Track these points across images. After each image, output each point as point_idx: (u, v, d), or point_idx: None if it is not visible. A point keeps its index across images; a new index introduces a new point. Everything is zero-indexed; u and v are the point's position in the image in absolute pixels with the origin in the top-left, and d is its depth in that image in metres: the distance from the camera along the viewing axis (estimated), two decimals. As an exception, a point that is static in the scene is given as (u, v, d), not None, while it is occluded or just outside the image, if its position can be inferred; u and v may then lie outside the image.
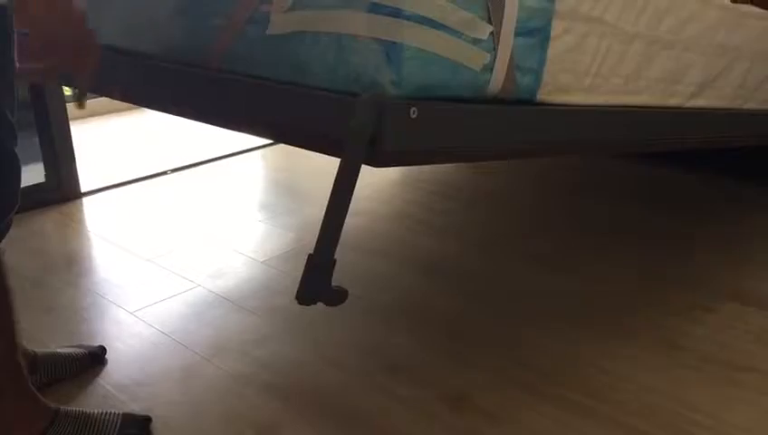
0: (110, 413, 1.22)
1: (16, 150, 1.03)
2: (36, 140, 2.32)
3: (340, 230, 0.90)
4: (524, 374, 1.43)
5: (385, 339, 1.56)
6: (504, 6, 1.01)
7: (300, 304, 0.90)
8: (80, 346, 1.45)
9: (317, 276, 0.90)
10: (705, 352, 1.51)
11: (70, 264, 1.95)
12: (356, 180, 0.89)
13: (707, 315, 1.67)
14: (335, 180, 0.88)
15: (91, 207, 2.36)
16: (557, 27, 1.11)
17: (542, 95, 1.13)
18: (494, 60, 1.03)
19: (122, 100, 1.33)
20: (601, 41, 1.21)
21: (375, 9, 0.91)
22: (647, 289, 1.79)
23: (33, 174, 2.32)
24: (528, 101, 1.12)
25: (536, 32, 1.09)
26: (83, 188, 2.44)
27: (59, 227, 2.20)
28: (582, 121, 1.23)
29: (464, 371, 1.44)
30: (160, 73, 1.17)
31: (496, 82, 1.04)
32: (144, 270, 1.89)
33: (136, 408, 1.28)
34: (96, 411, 1.22)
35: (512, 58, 1.05)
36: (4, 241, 1.07)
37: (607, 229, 2.18)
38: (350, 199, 0.89)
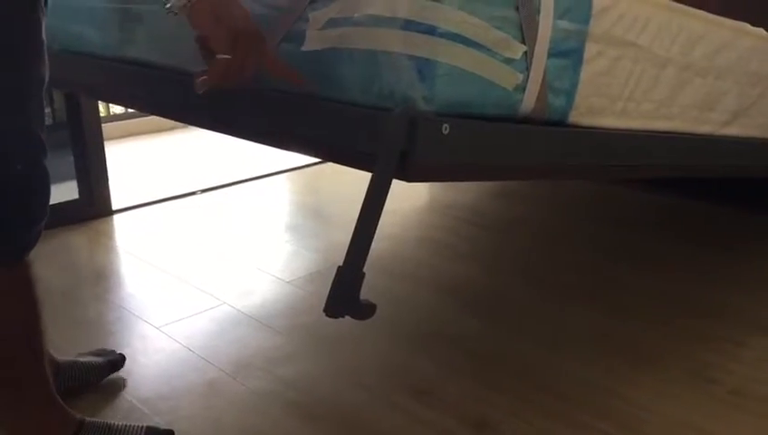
0: (134, 426, 1.22)
1: (46, 164, 1.05)
2: (71, 158, 2.36)
3: (370, 244, 0.90)
4: (548, 400, 1.41)
5: (409, 361, 1.55)
6: (537, 27, 1.02)
7: (328, 316, 0.89)
8: (99, 353, 1.45)
9: (346, 289, 0.90)
10: (735, 385, 1.48)
11: (99, 278, 1.97)
12: (387, 194, 0.89)
13: (737, 348, 1.63)
14: (366, 194, 0.88)
15: (121, 224, 2.40)
16: (590, 49, 1.12)
17: (574, 117, 1.13)
18: (527, 80, 1.03)
19: (160, 115, 1.35)
20: (635, 65, 1.21)
21: (409, 26, 0.92)
22: (673, 319, 1.76)
23: (66, 191, 2.36)
24: (559, 123, 1.12)
25: (570, 53, 1.09)
26: (115, 206, 2.48)
27: (90, 243, 2.23)
28: (613, 145, 1.22)
29: (487, 395, 1.42)
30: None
31: (528, 102, 1.05)
32: (171, 287, 1.91)
33: (159, 421, 1.28)
34: (120, 423, 1.22)
35: (544, 78, 1.05)
36: (33, 253, 1.09)
37: (630, 258, 2.16)
38: (380, 213, 0.89)
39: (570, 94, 1.11)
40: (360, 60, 0.97)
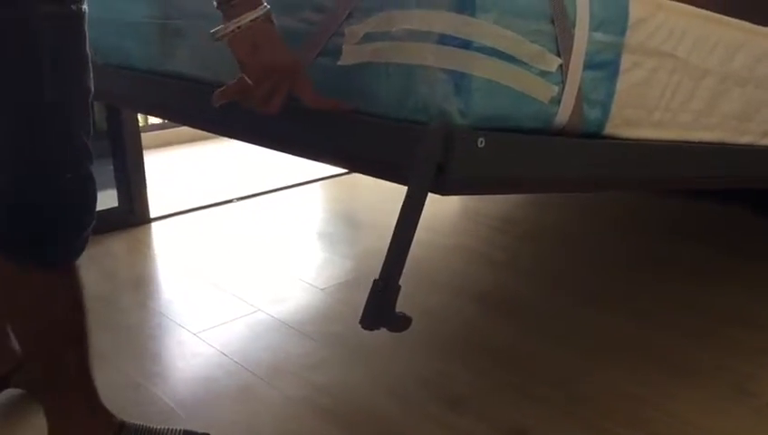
0: (172, 429, 1.25)
1: (93, 171, 1.08)
2: (111, 167, 2.42)
3: (406, 256, 0.91)
4: (584, 411, 1.40)
5: (443, 370, 1.55)
6: (573, 40, 1.02)
7: (364, 328, 0.90)
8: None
9: (381, 302, 0.90)
10: (774, 398, 1.45)
11: (138, 285, 2.02)
12: (423, 207, 0.89)
13: (777, 360, 1.60)
14: (402, 207, 0.89)
15: (159, 232, 2.44)
16: (626, 61, 1.11)
17: (610, 129, 1.13)
18: (562, 92, 1.03)
19: (197, 127, 1.38)
20: (672, 76, 1.20)
21: (445, 41, 0.93)
22: (711, 330, 1.73)
23: (106, 199, 2.40)
24: (595, 135, 1.11)
25: (605, 65, 1.09)
26: (153, 214, 2.53)
27: (129, 250, 2.28)
28: (650, 157, 1.21)
29: (522, 404, 1.42)
30: (234, 103, 1.22)
31: (564, 114, 1.04)
32: (208, 293, 1.94)
33: (195, 425, 1.30)
34: (158, 427, 1.25)
35: (580, 91, 1.05)
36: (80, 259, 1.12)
37: (666, 267, 2.13)
38: (415, 227, 0.90)
39: (605, 106, 1.10)
40: (396, 74, 0.98)
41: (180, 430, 1.25)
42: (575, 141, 1.07)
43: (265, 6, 0.93)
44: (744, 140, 1.39)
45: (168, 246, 2.31)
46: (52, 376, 1.13)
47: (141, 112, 2.35)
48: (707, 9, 1.25)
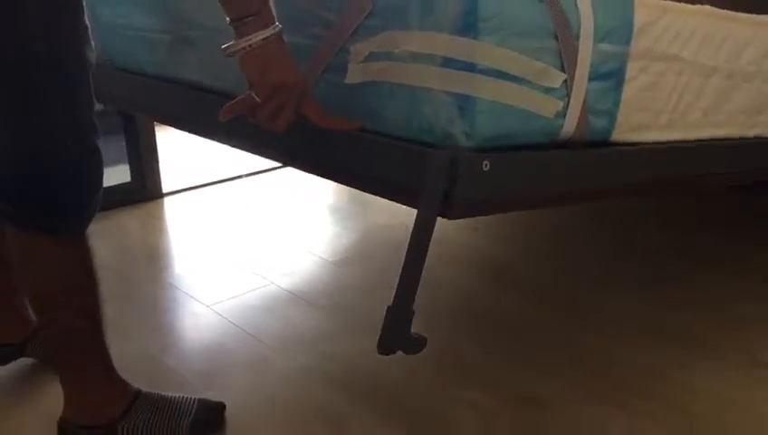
0: (187, 398, 1.27)
1: (98, 143, 1.09)
2: (123, 143, 2.44)
3: (418, 281, 0.92)
4: (596, 382, 1.41)
5: (454, 343, 1.57)
6: (577, 53, 1.01)
7: (381, 353, 0.93)
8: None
9: (397, 328, 0.93)
10: (790, 370, 1.45)
11: (151, 259, 2.04)
12: (432, 233, 0.90)
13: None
14: (412, 233, 0.90)
15: (171, 207, 2.46)
16: (632, 68, 1.10)
17: (617, 135, 1.12)
18: (567, 105, 1.02)
19: (208, 138, 1.38)
20: (679, 77, 1.19)
21: (448, 64, 0.93)
22: (725, 307, 1.74)
23: (119, 174, 2.43)
24: (602, 143, 1.11)
25: (611, 75, 1.08)
26: (165, 189, 2.55)
27: (142, 225, 2.30)
28: (659, 159, 1.20)
29: (533, 377, 1.43)
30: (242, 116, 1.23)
31: (569, 126, 1.04)
32: (220, 267, 1.96)
33: (210, 395, 1.32)
34: (173, 395, 1.27)
35: (585, 102, 1.05)
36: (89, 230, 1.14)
37: (682, 249, 2.13)
38: (426, 251, 0.91)
39: (612, 114, 1.10)
40: (401, 94, 0.98)
41: (195, 399, 1.27)
42: (581, 153, 1.07)
43: (277, 26, 0.94)
44: (753, 132, 1.38)
45: (181, 220, 2.33)
46: (67, 344, 1.15)
47: (151, 119, 2.36)
48: (716, 5, 1.24)
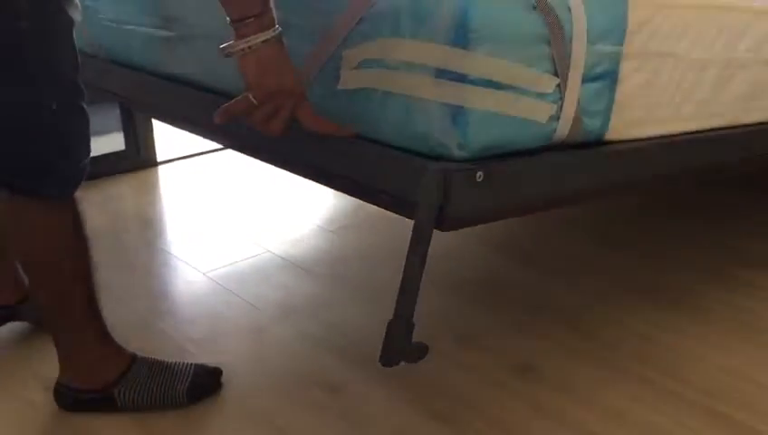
0: (183, 363, 1.26)
1: (84, 106, 1.09)
2: (118, 111, 2.41)
3: (417, 293, 0.93)
4: (590, 346, 1.42)
5: (451, 308, 1.56)
6: (569, 57, 1.00)
7: (384, 366, 0.95)
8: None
9: (398, 341, 0.95)
10: (785, 335, 1.46)
11: (146, 226, 2.02)
12: (428, 247, 0.91)
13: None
14: (409, 247, 0.91)
15: (167, 175, 2.44)
16: (626, 68, 1.09)
17: (611, 134, 1.11)
18: (561, 109, 1.02)
19: (201, 136, 1.37)
20: (673, 72, 1.17)
21: (441, 74, 0.92)
22: (723, 270, 1.73)
23: (113, 142, 2.43)
24: (596, 142, 1.10)
25: (604, 76, 1.07)
26: (160, 157, 2.52)
27: (136, 193, 2.28)
28: (655, 154, 1.19)
29: (531, 342, 1.43)
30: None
31: (563, 129, 1.04)
32: (217, 235, 1.94)
33: (206, 361, 1.32)
34: (170, 361, 1.26)
35: (579, 104, 1.04)
36: (82, 198, 1.13)
37: (682, 210, 2.12)
38: (424, 263, 0.92)
39: (605, 114, 1.09)
40: (394, 103, 0.98)
41: (191, 364, 1.26)
42: (575, 155, 1.06)
43: (278, 28, 0.94)
44: (752, 118, 1.36)
45: (176, 188, 2.31)
46: (60, 309, 1.15)
47: (143, 114, 2.33)
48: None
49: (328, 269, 1.74)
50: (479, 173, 0.92)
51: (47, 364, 1.30)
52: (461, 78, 0.91)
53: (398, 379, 1.31)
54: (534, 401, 1.25)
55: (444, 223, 0.91)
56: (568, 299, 1.60)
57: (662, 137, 1.19)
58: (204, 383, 1.26)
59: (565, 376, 1.32)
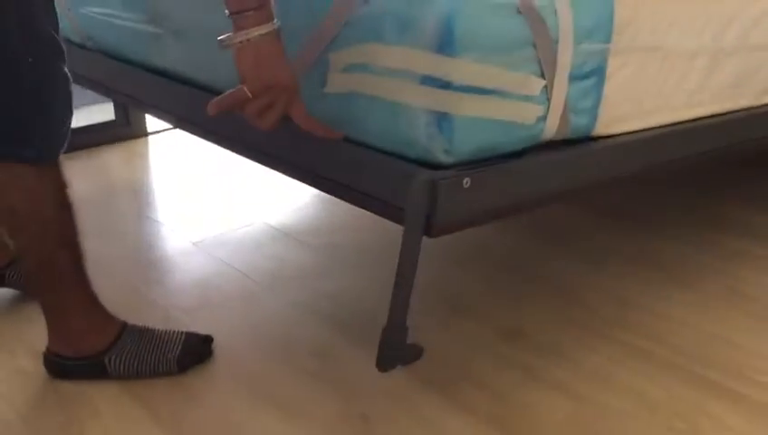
0: (174, 331, 1.26)
1: (63, 66, 1.07)
2: (107, 80, 2.38)
3: (409, 298, 0.95)
4: (583, 315, 1.42)
5: (445, 277, 1.57)
6: (556, 59, 0.99)
7: (380, 371, 0.98)
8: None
9: (393, 346, 0.97)
10: (771, 302, 1.47)
11: (136, 196, 2.01)
12: (418, 254, 0.93)
13: (775, 266, 1.61)
14: (400, 255, 0.92)
15: (157, 145, 2.42)
16: (613, 64, 1.08)
17: (599, 130, 1.11)
18: (548, 109, 1.02)
19: (189, 131, 1.37)
20: (662, 65, 1.16)
21: (426, 81, 0.92)
22: (711, 238, 1.75)
23: (104, 113, 2.41)
24: (583, 138, 1.10)
25: (592, 74, 1.06)
26: (150, 128, 2.50)
27: (127, 162, 2.27)
28: (643, 146, 1.19)
29: (522, 308, 1.44)
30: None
31: (550, 128, 1.03)
32: (207, 205, 1.94)
33: (196, 329, 1.32)
34: (160, 329, 1.26)
35: (566, 104, 1.03)
36: (70, 167, 1.12)
37: (671, 179, 2.12)
38: (415, 269, 0.93)
39: (593, 111, 1.09)
40: (380, 108, 0.98)
41: (182, 332, 1.26)
42: (563, 153, 1.06)
43: (276, 23, 0.93)
44: (741, 104, 1.35)
45: (166, 159, 2.30)
46: (45, 274, 1.14)
47: (134, 108, 2.31)
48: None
49: (319, 239, 1.74)
50: (466, 180, 0.93)
51: (36, 332, 1.30)
52: (446, 85, 0.91)
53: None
54: (523, 366, 1.26)
55: (432, 231, 0.92)
56: (558, 266, 1.61)
57: (651, 129, 1.18)
58: (195, 351, 1.26)
59: (554, 341, 1.33)
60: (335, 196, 1.07)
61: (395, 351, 0.98)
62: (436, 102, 0.92)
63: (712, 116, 1.30)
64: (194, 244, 1.72)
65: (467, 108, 0.93)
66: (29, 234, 1.11)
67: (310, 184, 1.11)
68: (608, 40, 1.05)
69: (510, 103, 0.97)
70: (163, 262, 1.64)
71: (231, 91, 0.96)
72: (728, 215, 1.88)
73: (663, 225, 1.82)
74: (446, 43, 0.89)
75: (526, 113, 0.99)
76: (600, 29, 1.04)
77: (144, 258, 1.65)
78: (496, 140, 0.98)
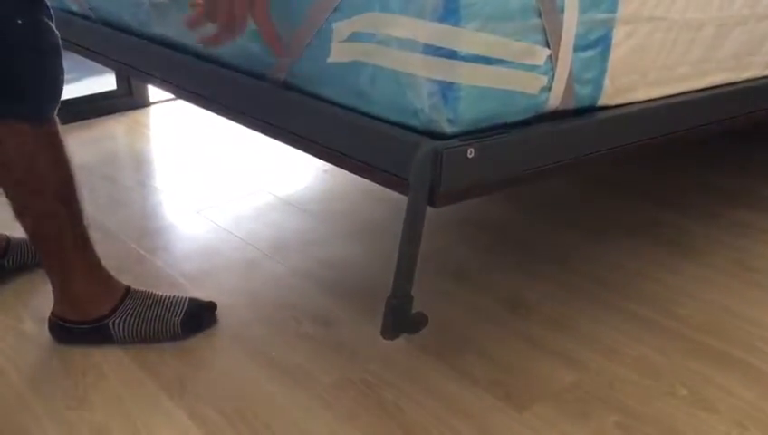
0: (178, 297, 1.26)
1: (51, 24, 1.09)
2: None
3: (414, 269, 0.96)
4: (587, 285, 1.43)
5: (445, 247, 1.57)
6: (562, 26, 0.98)
7: (385, 339, 0.98)
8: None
9: (397, 315, 0.97)
10: (778, 274, 1.47)
11: (139, 164, 2.01)
12: (422, 226, 0.93)
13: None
14: (404, 225, 0.92)
15: (158, 115, 2.41)
16: (619, 33, 1.07)
17: (604, 100, 1.11)
18: (553, 79, 1.01)
19: (190, 101, 1.36)
20: (667, 34, 1.15)
21: (430, 51, 0.91)
22: (715, 211, 1.74)
23: (105, 83, 2.39)
24: (589, 108, 1.10)
25: (597, 43, 1.05)
26: (152, 98, 2.49)
27: (129, 132, 2.27)
28: (649, 117, 1.18)
29: (525, 279, 1.45)
30: (229, 80, 1.20)
31: (555, 98, 1.03)
32: (209, 174, 1.94)
33: (200, 295, 1.32)
34: (164, 294, 1.26)
35: (570, 73, 1.03)
36: (73, 135, 1.12)
37: (678, 153, 2.11)
38: (419, 240, 0.94)
39: (598, 81, 1.08)
40: (385, 78, 0.97)
41: (186, 298, 1.26)
42: (567, 124, 1.05)
43: None
44: (748, 74, 1.34)
45: (168, 128, 2.29)
46: (44, 228, 1.14)
47: (133, 77, 2.28)
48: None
49: (320, 207, 1.74)
50: (470, 150, 0.92)
51: (40, 297, 1.30)
52: (451, 54, 0.91)
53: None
54: (526, 336, 1.27)
55: (436, 201, 0.92)
56: (562, 237, 1.61)
57: (656, 99, 1.18)
58: (198, 316, 1.27)
59: (557, 311, 1.33)
60: (337, 165, 1.07)
61: (399, 320, 0.99)
62: (440, 72, 0.91)
63: (719, 86, 1.28)
64: (197, 212, 1.72)
65: (471, 77, 0.92)
66: (26, 190, 1.11)
67: (312, 154, 1.11)
68: (614, 10, 1.04)
69: (514, 73, 0.96)
70: (166, 229, 1.64)
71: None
72: (733, 187, 1.87)
73: (667, 197, 1.82)
74: (450, 13, 0.89)
75: (531, 83, 0.98)
76: (606, -2, 1.03)
77: (147, 226, 1.66)
78: (501, 109, 0.97)
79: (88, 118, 2.28)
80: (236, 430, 1.06)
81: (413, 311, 1.00)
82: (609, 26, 1.05)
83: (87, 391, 1.14)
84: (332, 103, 1.05)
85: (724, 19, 1.22)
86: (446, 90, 0.91)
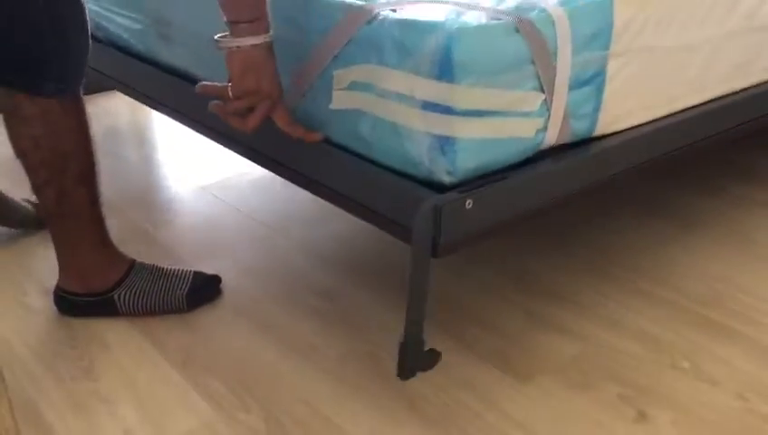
0: (182, 270, 1.27)
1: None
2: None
3: (423, 316, 1.00)
4: (590, 255, 1.44)
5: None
6: (555, 71, 0.99)
7: (402, 380, 1.06)
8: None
9: (411, 358, 1.03)
10: (780, 246, 1.47)
11: (142, 141, 2.02)
12: (428, 275, 0.97)
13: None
14: (410, 275, 0.96)
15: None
16: (613, 67, 1.08)
17: (599, 130, 1.11)
18: (548, 120, 1.02)
19: (193, 128, 1.40)
20: (662, 61, 1.15)
21: (427, 107, 0.94)
22: (718, 186, 1.73)
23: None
24: (584, 140, 1.11)
25: (591, 80, 1.06)
26: (156, 74, 2.48)
27: (132, 108, 2.26)
28: (645, 140, 1.18)
29: (529, 254, 1.45)
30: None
31: (551, 137, 1.04)
32: (213, 151, 1.93)
33: (204, 269, 1.33)
34: (169, 267, 1.26)
35: (566, 112, 1.04)
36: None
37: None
38: (427, 286, 0.98)
39: (593, 115, 1.09)
40: (384, 128, 1.00)
41: (191, 271, 1.27)
42: (563, 160, 1.07)
43: (269, 36, 0.98)
44: (747, 82, 1.34)
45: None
46: (63, 210, 1.15)
47: (134, 98, 2.27)
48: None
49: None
50: (468, 201, 0.95)
51: (45, 269, 1.31)
52: (447, 110, 0.93)
53: (394, 289, 1.32)
54: (529, 309, 1.27)
55: (438, 252, 0.95)
56: (564, 212, 1.60)
57: (651, 122, 1.18)
58: (203, 289, 1.27)
59: (560, 285, 1.34)
60: (337, 205, 1.10)
61: (413, 361, 1.04)
62: (438, 127, 0.94)
63: (719, 98, 1.29)
64: (201, 187, 1.72)
65: (468, 131, 0.94)
66: (50, 168, 1.12)
67: (314, 193, 1.13)
68: (607, 47, 1.05)
69: (510, 121, 0.98)
70: (171, 204, 1.64)
71: (220, 84, 1.01)
72: (733, 160, 1.86)
73: (667, 170, 1.81)
74: (445, 71, 0.90)
75: (526, 128, 1.00)
76: (600, 36, 1.03)
77: (152, 201, 1.66)
78: (498, 156, 0.99)
79: (91, 93, 2.26)
80: (241, 401, 1.06)
81: (425, 349, 1.05)
82: (603, 62, 1.05)
83: (92, 362, 1.13)
84: (335, 145, 1.07)
85: (720, 36, 1.22)
86: (444, 144, 0.94)
